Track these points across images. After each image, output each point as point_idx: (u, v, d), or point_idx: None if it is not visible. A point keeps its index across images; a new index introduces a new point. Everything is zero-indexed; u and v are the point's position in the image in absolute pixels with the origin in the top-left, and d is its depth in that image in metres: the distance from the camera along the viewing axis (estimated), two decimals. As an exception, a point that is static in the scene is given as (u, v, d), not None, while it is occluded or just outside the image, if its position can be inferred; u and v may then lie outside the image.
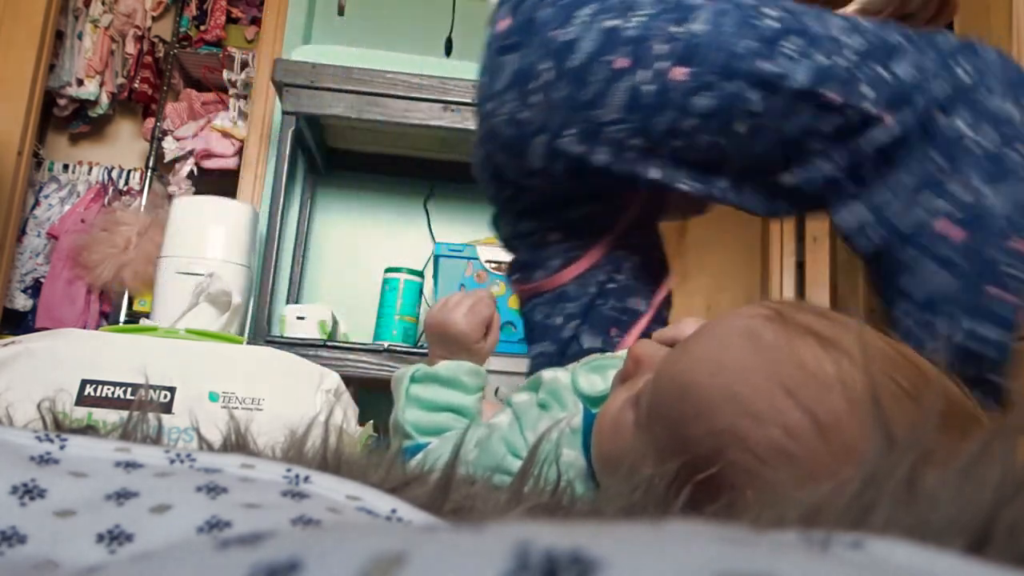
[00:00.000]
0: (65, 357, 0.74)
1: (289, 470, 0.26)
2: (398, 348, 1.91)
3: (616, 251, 0.96)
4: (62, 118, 3.04)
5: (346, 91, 1.96)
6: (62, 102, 2.94)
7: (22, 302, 2.79)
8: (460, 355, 0.70)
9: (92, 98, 2.93)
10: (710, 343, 0.45)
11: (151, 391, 0.73)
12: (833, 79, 0.75)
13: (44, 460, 0.25)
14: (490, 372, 0.76)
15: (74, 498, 0.22)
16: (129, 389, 0.74)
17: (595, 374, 0.64)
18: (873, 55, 0.76)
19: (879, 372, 0.40)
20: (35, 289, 2.80)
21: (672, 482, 0.36)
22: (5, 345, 0.75)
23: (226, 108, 2.83)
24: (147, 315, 2.19)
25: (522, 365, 1.73)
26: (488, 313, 0.72)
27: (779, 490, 0.39)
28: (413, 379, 0.69)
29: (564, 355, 0.96)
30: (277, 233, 1.95)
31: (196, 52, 2.95)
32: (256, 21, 2.93)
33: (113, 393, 0.73)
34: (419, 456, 0.59)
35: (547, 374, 0.66)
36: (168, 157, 2.81)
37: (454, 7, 2.46)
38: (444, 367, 0.68)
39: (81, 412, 0.72)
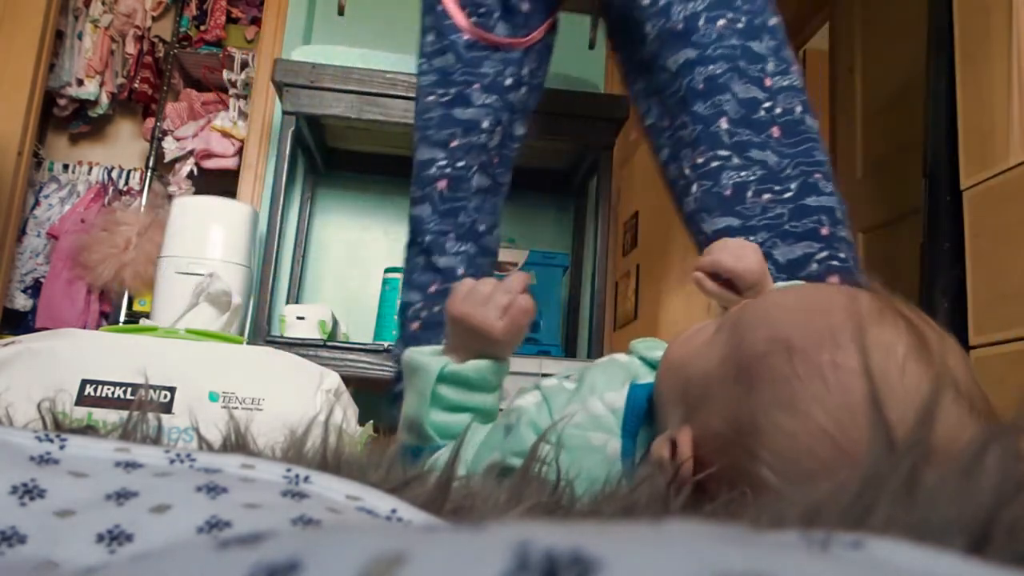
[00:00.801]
0: (65, 357, 0.74)
1: (289, 470, 0.26)
2: (398, 348, 1.91)
3: (550, 36, 1.19)
4: (62, 118, 3.04)
5: (346, 91, 1.96)
6: (62, 102, 2.94)
7: (22, 302, 2.79)
8: (483, 347, 0.66)
9: (92, 98, 2.93)
10: (811, 288, 0.51)
11: (151, 391, 0.73)
12: None
13: (44, 460, 0.25)
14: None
15: (74, 498, 0.22)
16: (129, 389, 0.74)
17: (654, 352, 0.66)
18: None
19: (960, 381, 0.40)
20: (35, 289, 2.80)
21: (672, 481, 0.36)
22: (5, 345, 0.75)
23: (226, 108, 2.83)
24: (147, 315, 2.19)
25: (529, 365, 1.72)
26: (526, 322, 0.67)
27: (796, 392, 0.41)
28: (441, 378, 0.66)
29: None
30: (277, 233, 1.95)
31: (196, 52, 2.95)
32: (256, 21, 2.94)
33: (113, 393, 0.73)
34: (431, 458, 0.58)
35: (602, 359, 0.68)
36: (168, 157, 2.82)
37: (454, 7, 2.46)
38: (473, 369, 0.65)
39: (81, 412, 0.72)
